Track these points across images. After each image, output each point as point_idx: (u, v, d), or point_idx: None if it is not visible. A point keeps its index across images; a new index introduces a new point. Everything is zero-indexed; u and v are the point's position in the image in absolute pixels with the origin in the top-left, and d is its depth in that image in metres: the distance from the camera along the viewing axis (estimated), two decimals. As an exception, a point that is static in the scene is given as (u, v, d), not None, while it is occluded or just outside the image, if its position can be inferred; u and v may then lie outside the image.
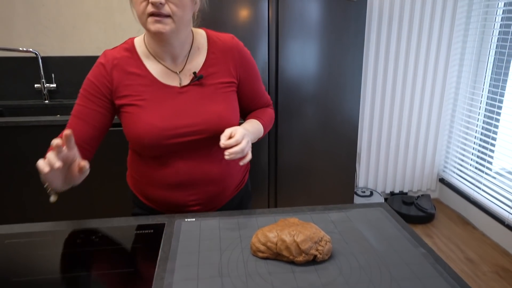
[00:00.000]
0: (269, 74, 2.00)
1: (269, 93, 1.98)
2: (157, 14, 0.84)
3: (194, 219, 0.94)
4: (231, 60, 1.00)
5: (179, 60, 0.97)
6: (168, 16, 0.85)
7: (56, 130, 1.89)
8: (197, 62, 0.98)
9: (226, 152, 0.85)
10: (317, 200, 2.26)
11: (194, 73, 0.96)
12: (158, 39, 0.91)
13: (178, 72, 0.96)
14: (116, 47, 0.98)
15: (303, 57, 1.99)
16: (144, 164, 1.01)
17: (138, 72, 0.95)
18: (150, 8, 0.83)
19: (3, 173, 1.91)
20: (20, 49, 2.24)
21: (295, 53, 1.98)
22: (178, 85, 0.96)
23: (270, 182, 2.18)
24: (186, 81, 0.97)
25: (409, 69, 2.55)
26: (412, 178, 2.81)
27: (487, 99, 2.47)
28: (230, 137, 0.87)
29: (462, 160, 2.66)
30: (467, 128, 2.61)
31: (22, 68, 2.31)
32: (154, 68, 0.96)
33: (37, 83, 2.32)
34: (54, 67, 2.34)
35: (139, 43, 0.97)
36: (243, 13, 1.89)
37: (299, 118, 2.09)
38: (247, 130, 0.95)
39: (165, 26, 0.85)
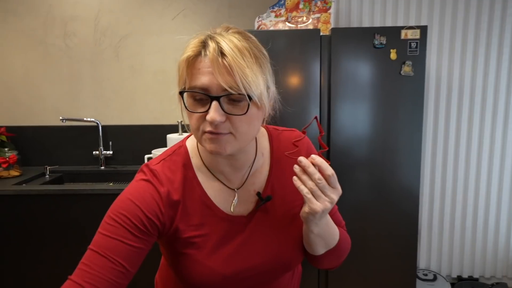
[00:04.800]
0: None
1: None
2: (215, 133, 0.63)
3: None
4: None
5: (241, 172, 0.75)
6: (229, 133, 0.64)
7: (108, 198, 1.92)
8: (261, 174, 0.77)
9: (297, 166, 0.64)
10: (373, 284, 2.02)
11: (259, 193, 0.74)
12: (215, 156, 0.72)
13: (236, 189, 0.75)
14: (167, 159, 0.74)
15: (355, 120, 1.91)
16: None
17: (194, 196, 0.72)
18: (207, 126, 0.63)
19: (59, 239, 1.95)
20: (84, 119, 2.41)
21: (347, 116, 1.91)
22: (245, 213, 0.75)
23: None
24: (248, 204, 0.75)
25: (473, 135, 2.35)
26: (483, 261, 2.46)
27: None
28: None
29: (544, 244, 2.30)
30: (547, 206, 2.30)
31: (83, 136, 2.46)
32: (209, 186, 0.74)
33: (95, 150, 2.44)
34: (112, 136, 2.47)
35: (193, 152, 0.75)
36: (295, 77, 1.89)
37: (352, 184, 1.95)
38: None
39: (225, 147, 0.64)
